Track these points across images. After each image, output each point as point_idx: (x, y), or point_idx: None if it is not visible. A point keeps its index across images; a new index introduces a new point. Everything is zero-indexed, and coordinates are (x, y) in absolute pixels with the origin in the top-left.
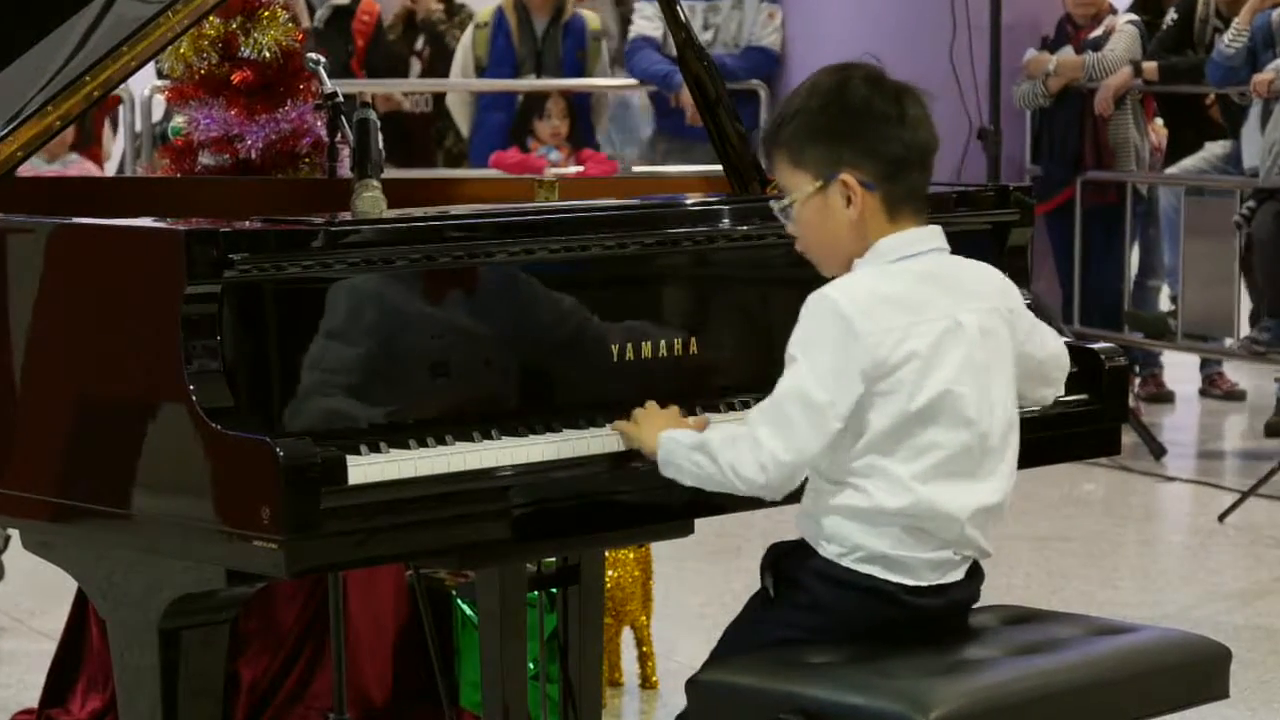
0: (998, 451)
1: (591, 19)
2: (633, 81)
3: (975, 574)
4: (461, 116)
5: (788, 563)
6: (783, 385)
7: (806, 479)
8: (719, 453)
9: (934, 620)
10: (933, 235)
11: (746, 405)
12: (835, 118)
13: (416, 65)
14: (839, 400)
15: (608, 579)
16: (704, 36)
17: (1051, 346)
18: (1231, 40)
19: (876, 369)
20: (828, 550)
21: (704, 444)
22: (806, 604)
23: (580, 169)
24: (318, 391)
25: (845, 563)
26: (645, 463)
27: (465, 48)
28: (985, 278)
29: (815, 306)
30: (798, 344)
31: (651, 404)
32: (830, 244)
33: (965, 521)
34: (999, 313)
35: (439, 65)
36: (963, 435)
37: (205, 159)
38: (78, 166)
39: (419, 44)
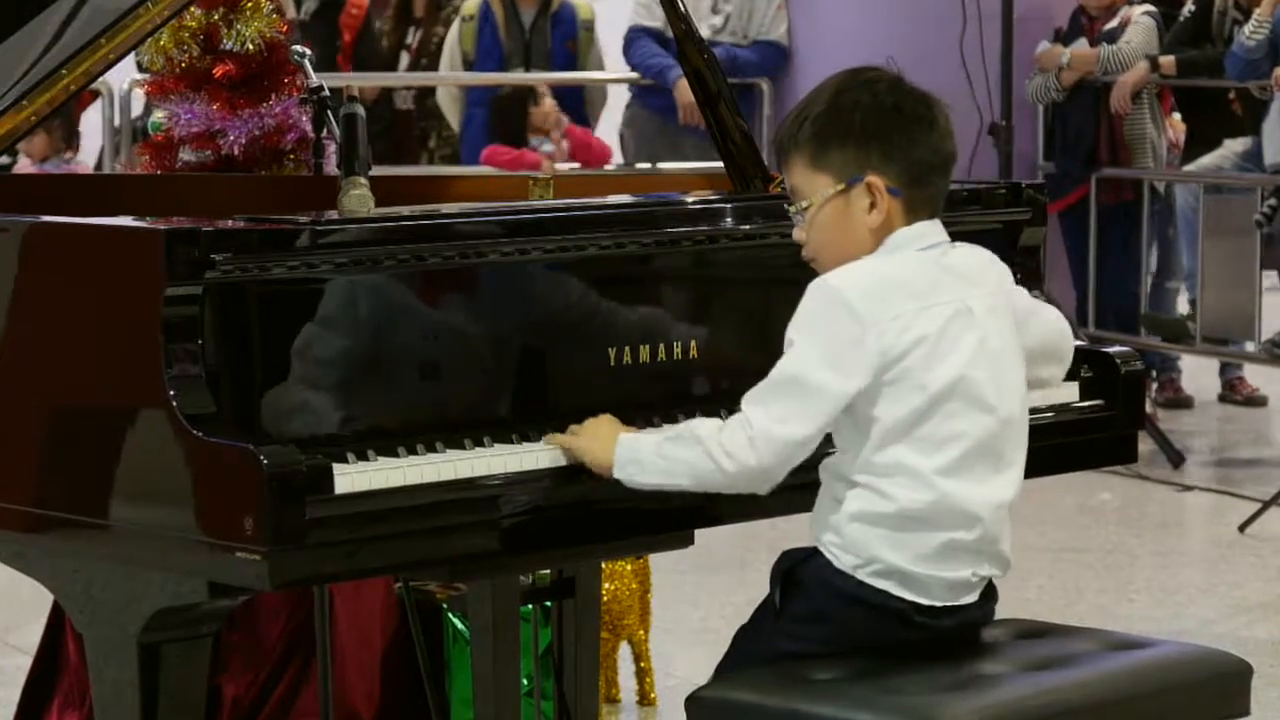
0: (1016, 440)
1: (582, 8)
2: (632, 75)
3: (990, 596)
4: (452, 113)
5: (798, 572)
6: (778, 367)
7: (821, 483)
8: (704, 437)
9: (945, 639)
10: (938, 229)
11: None
12: (865, 118)
13: (406, 60)
14: (836, 385)
15: (604, 592)
16: (713, 22)
17: (1055, 322)
18: (1252, 32)
19: (884, 357)
20: (842, 561)
21: (680, 433)
22: (814, 617)
23: (552, 149)
24: (303, 397)
25: (859, 575)
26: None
27: (452, 43)
28: (984, 263)
29: (817, 294)
30: (796, 328)
31: (604, 417)
32: (845, 248)
33: (987, 520)
34: (1001, 295)
35: (421, 61)
36: (986, 420)
37: (186, 155)
38: (68, 167)
39: (409, 37)
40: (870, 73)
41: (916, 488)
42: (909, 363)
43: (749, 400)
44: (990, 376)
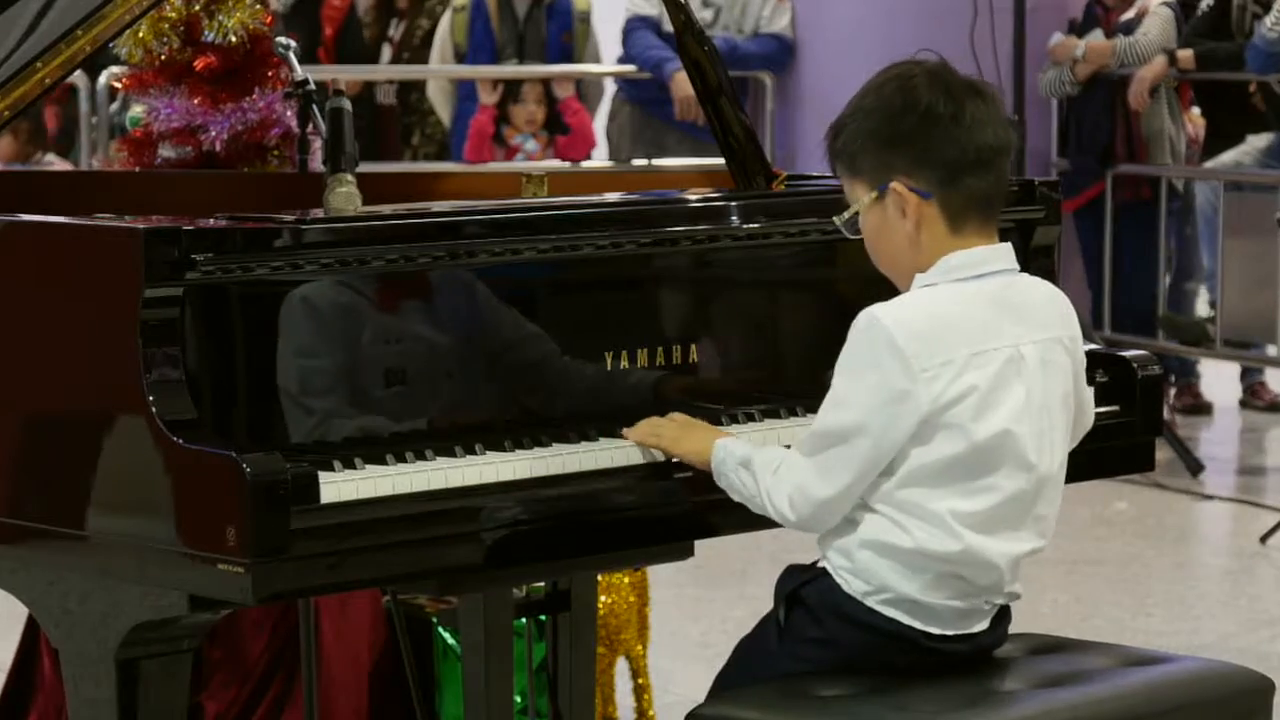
0: (1049, 496)
1: None
2: (627, 68)
3: (1002, 618)
4: (443, 107)
5: (804, 593)
6: (824, 418)
7: None
8: (760, 475)
9: (955, 663)
10: (1003, 254)
11: (750, 418)
12: (887, 121)
13: (388, 53)
14: (883, 442)
15: (601, 605)
16: (704, 16)
17: (1088, 397)
18: (1274, 24)
19: (934, 405)
20: (851, 586)
21: (750, 460)
22: (820, 640)
23: (535, 148)
24: (287, 403)
25: (869, 603)
26: (641, 480)
27: (443, 33)
28: (1051, 303)
29: (866, 331)
30: (844, 371)
31: (679, 415)
32: (894, 257)
33: (1004, 569)
34: (1061, 342)
35: (404, 54)
36: (1021, 480)
37: (166, 151)
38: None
39: (391, 30)
40: (905, 67)
41: (940, 535)
42: (958, 410)
43: (799, 446)
44: (1033, 432)
